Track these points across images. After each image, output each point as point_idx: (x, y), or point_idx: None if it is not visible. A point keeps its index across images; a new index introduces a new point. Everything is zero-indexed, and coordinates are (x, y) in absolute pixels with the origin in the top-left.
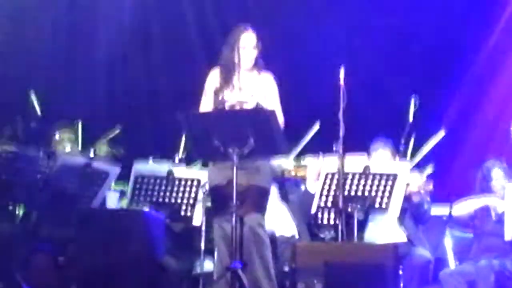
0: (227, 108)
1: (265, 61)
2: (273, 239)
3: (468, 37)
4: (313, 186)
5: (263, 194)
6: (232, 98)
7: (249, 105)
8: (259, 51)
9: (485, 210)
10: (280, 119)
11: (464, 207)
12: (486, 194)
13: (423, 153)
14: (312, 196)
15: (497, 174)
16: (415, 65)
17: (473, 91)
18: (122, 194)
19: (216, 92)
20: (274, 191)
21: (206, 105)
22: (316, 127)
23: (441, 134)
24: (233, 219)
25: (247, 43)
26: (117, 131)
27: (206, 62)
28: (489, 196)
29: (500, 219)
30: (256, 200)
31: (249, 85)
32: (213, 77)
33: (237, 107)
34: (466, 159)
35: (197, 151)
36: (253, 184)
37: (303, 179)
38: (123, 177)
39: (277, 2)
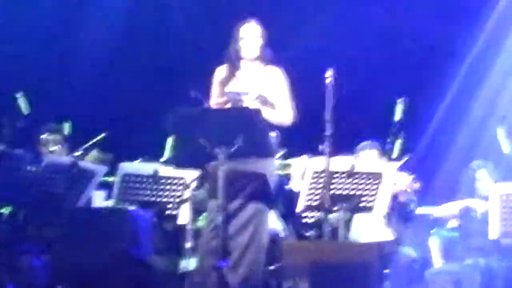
0: (224, 100)
1: None
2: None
3: (457, 38)
4: (298, 185)
5: (268, 185)
6: (235, 90)
7: (250, 96)
8: (264, 43)
9: (468, 211)
10: (288, 115)
11: (446, 209)
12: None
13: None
14: (297, 195)
15: (482, 175)
16: (404, 66)
17: (461, 93)
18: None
19: (221, 86)
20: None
21: (212, 101)
22: None
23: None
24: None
25: (247, 33)
26: (103, 136)
27: (194, 63)
28: (471, 199)
29: (484, 219)
30: (262, 188)
31: (254, 78)
32: (219, 73)
33: (236, 98)
34: (453, 160)
35: (184, 152)
36: (258, 172)
37: (288, 178)
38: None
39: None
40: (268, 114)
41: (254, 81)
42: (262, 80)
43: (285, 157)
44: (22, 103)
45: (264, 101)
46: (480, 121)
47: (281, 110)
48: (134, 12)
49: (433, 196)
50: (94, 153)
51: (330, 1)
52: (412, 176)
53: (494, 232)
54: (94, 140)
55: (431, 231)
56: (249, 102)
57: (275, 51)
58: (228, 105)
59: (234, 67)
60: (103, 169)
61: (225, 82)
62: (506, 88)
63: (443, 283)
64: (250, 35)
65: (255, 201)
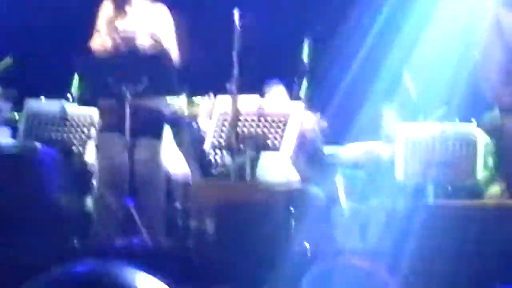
0: (122, 38)
1: None
2: (166, 177)
3: None
4: (205, 124)
5: (158, 117)
6: (127, 27)
7: (144, 35)
8: None
9: (372, 152)
10: (174, 54)
11: (352, 150)
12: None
13: None
14: (204, 133)
15: (389, 116)
16: (312, 8)
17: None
18: (13, 128)
19: (109, 23)
20: (167, 129)
21: (99, 38)
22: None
23: None
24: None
25: None
26: (9, 61)
27: None
28: (376, 141)
29: (389, 160)
30: (149, 121)
31: (142, 14)
32: (105, 8)
33: (134, 40)
34: (363, 104)
35: (91, 90)
36: (145, 106)
37: (195, 118)
38: None
39: None
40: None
41: (143, 17)
42: (151, 16)
43: (192, 95)
44: None
45: (156, 39)
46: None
47: (170, 49)
48: None
49: (343, 137)
50: None
51: None
52: (319, 115)
53: (400, 173)
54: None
55: (338, 170)
56: (143, 40)
57: None
58: (118, 41)
59: (122, 2)
60: (8, 105)
61: (112, 19)
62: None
63: (348, 222)
64: None
65: (150, 137)
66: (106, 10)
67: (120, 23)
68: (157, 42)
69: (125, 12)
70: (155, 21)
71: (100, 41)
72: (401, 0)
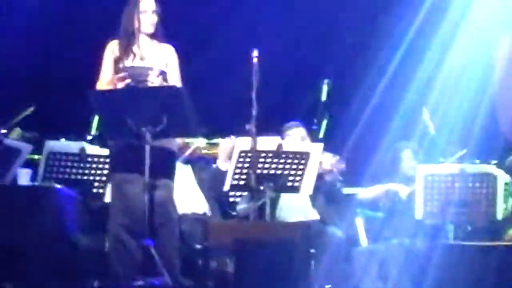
0: (122, 75)
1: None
2: (185, 216)
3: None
4: (224, 164)
5: (171, 157)
6: (137, 67)
7: (154, 73)
8: (159, 19)
9: (391, 194)
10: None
11: (370, 191)
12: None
13: None
14: (224, 174)
15: (407, 155)
16: (332, 49)
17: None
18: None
19: (116, 62)
20: (187, 169)
21: (106, 77)
22: None
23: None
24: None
25: (147, 7)
26: (31, 110)
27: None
28: (394, 183)
29: (409, 200)
30: (165, 162)
31: (150, 54)
32: (112, 48)
33: (142, 77)
34: (381, 143)
35: (109, 130)
36: (160, 146)
37: (215, 157)
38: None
39: None
40: None
41: (151, 57)
42: (158, 56)
43: (212, 136)
44: None
45: (165, 79)
46: (413, 106)
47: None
48: None
49: (362, 178)
50: (17, 130)
51: None
52: (338, 157)
53: (419, 212)
54: (20, 117)
55: (357, 211)
56: (153, 79)
57: (198, 34)
58: (127, 81)
59: (130, 42)
60: (29, 147)
61: (119, 59)
62: (436, 78)
63: (368, 262)
64: (149, 9)
65: (166, 177)
66: (111, 49)
67: (127, 64)
68: (165, 81)
69: (131, 51)
70: (162, 60)
71: (109, 81)
72: (417, 38)
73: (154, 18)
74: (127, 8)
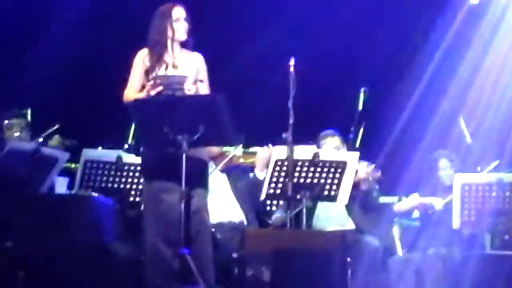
0: (163, 84)
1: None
2: (221, 225)
3: (423, 32)
4: (261, 173)
5: (204, 165)
6: (171, 75)
7: (189, 81)
8: (189, 27)
9: (425, 207)
10: None
11: (406, 203)
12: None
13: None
14: (261, 183)
15: (444, 164)
16: (369, 57)
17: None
18: (71, 177)
19: (148, 72)
20: (223, 177)
21: (135, 85)
22: None
23: None
24: (182, 205)
25: (180, 15)
26: (56, 127)
27: None
28: (428, 197)
29: (445, 209)
30: (198, 170)
31: (182, 62)
32: (142, 56)
33: (178, 85)
34: (418, 151)
35: (146, 139)
36: (192, 155)
37: (252, 166)
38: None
39: None
40: None
41: (183, 66)
42: (190, 65)
43: (249, 145)
44: None
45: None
46: (449, 114)
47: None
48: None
49: (398, 186)
50: (57, 138)
51: None
52: (373, 165)
53: (456, 222)
54: (54, 128)
55: (394, 220)
56: (190, 86)
57: (236, 43)
58: (159, 89)
59: (162, 51)
60: (66, 155)
61: (150, 68)
62: (473, 83)
63: (404, 272)
64: (182, 17)
65: (201, 185)
66: (141, 59)
67: (162, 72)
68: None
69: (163, 61)
70: (195, 69)
71: (140, 89)
72: (453, 46)
73: (187, 25)
74: (159, 18)
